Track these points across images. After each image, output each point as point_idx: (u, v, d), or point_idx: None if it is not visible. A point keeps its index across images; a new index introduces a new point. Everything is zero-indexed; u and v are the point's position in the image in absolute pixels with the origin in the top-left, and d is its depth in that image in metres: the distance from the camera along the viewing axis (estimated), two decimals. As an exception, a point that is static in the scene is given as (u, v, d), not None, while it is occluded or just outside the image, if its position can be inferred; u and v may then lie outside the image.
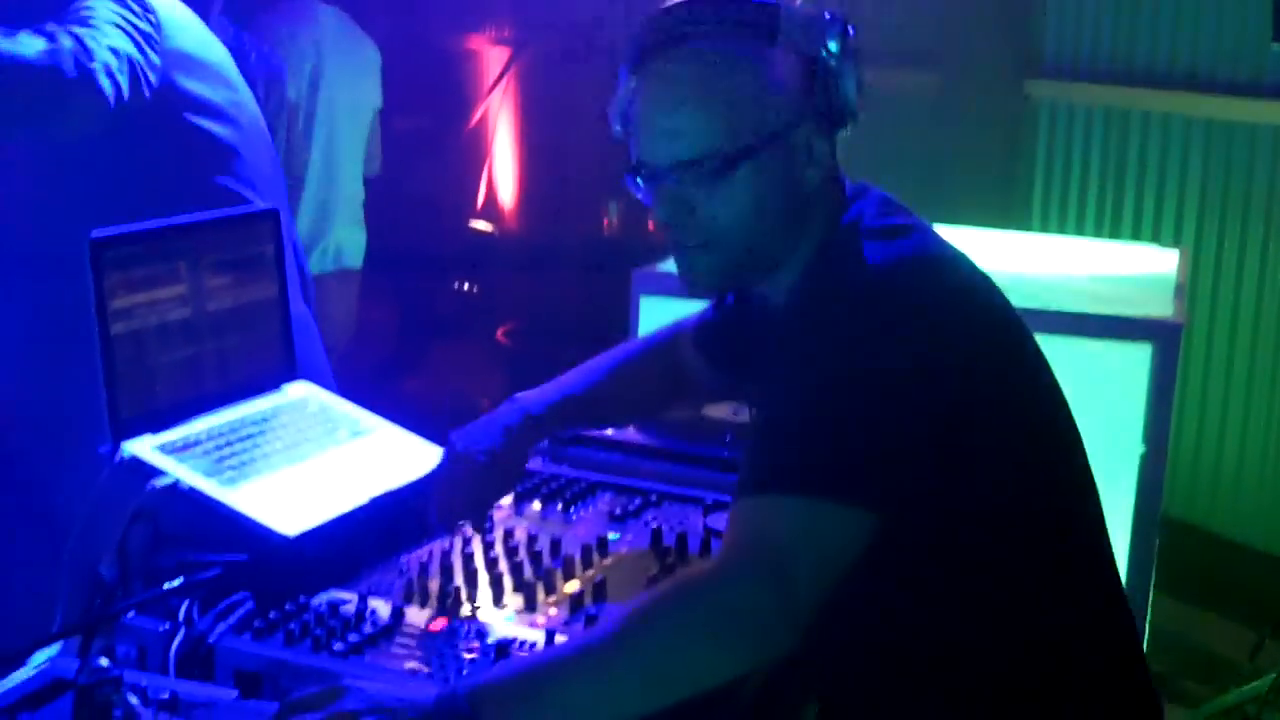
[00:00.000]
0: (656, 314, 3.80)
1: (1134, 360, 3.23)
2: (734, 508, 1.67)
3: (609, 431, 2.63)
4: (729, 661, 1.60)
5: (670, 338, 2.29)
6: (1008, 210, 5.58)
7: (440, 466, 2.10)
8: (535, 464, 2.51)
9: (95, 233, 2.03)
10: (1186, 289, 3.85)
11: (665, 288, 3.83)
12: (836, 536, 1.63)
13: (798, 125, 1.77)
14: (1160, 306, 3.43)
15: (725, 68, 1.75)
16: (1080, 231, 5.54)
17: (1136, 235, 5.36)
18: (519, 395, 2.21)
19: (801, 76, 1.77)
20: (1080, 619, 1.82)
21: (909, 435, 1.67)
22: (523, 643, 1.82)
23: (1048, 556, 1.81)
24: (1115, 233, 5.44)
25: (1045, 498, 1.81)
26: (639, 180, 1.83)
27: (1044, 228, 5.62)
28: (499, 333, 5.87)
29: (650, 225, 6.04)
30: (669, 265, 4.01)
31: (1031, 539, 1.79)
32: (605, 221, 6.09)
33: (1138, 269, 4.06)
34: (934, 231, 1.86)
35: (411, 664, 1.76)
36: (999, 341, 1.81)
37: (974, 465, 1.73)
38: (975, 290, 1.82)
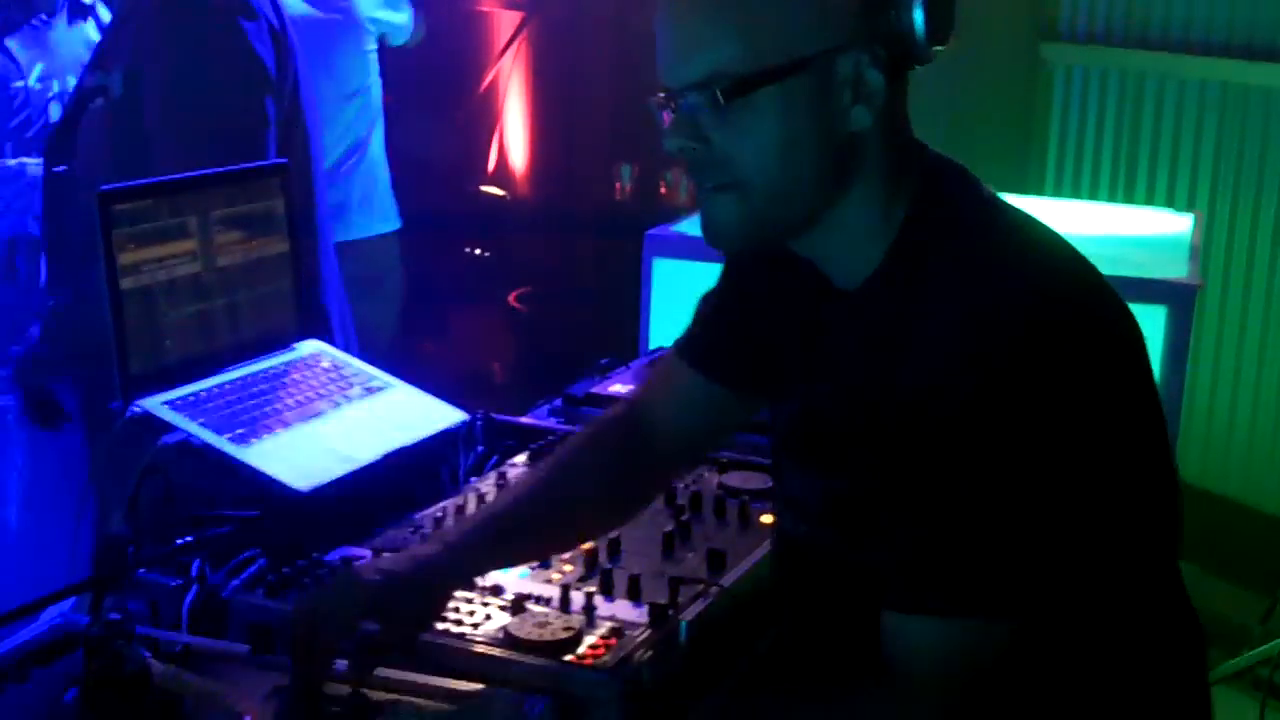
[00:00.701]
0: (669, 277, 3.78)
1: (1148, 323, 3.18)
2: (898, 620, 1.49)
3: (627, 388, 2.62)
4: None
5: (628, 409, 1.90)
6: (1022, 174, 5.55)
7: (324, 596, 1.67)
8: (549, 423, 2.50)
9: (104, 186, 2.02)
10: (1201, 252, 3.83)
11: (678, 251, 3.81)
12: (1004, 649, 1.48)
13: (842, 51, 1.46)
14: (1175, 269, 3.41)
15: None
16: (1095, 195, 5.51)
17: (1151, 199, 5.33)
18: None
19: None
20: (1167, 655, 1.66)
21: (1089, 529, 1.47)
22: (538, 598, 1.81)
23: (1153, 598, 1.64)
24: (1130, 196, 5.41)
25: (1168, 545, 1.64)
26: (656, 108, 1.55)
27: (1059, 191, 5.59)
28: (511, 297, 5.84)
29: (662, 188, 6.02)
30: (682, 228, 4.01)
31: (1147, 586, 1.62)
32: (617, 186, 6.06)
33: (1152, 232, 4.04)
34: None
35: (426, 618, 1.75)
36: (1145, 377, 1.56)
37: (1119, 543, 1.53)
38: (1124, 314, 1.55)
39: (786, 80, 1.46)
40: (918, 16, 1.47)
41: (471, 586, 1.80)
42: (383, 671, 1.64)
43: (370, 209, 4.61)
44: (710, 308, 1.83)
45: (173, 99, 2.61)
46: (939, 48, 1.51)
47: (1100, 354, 1.45)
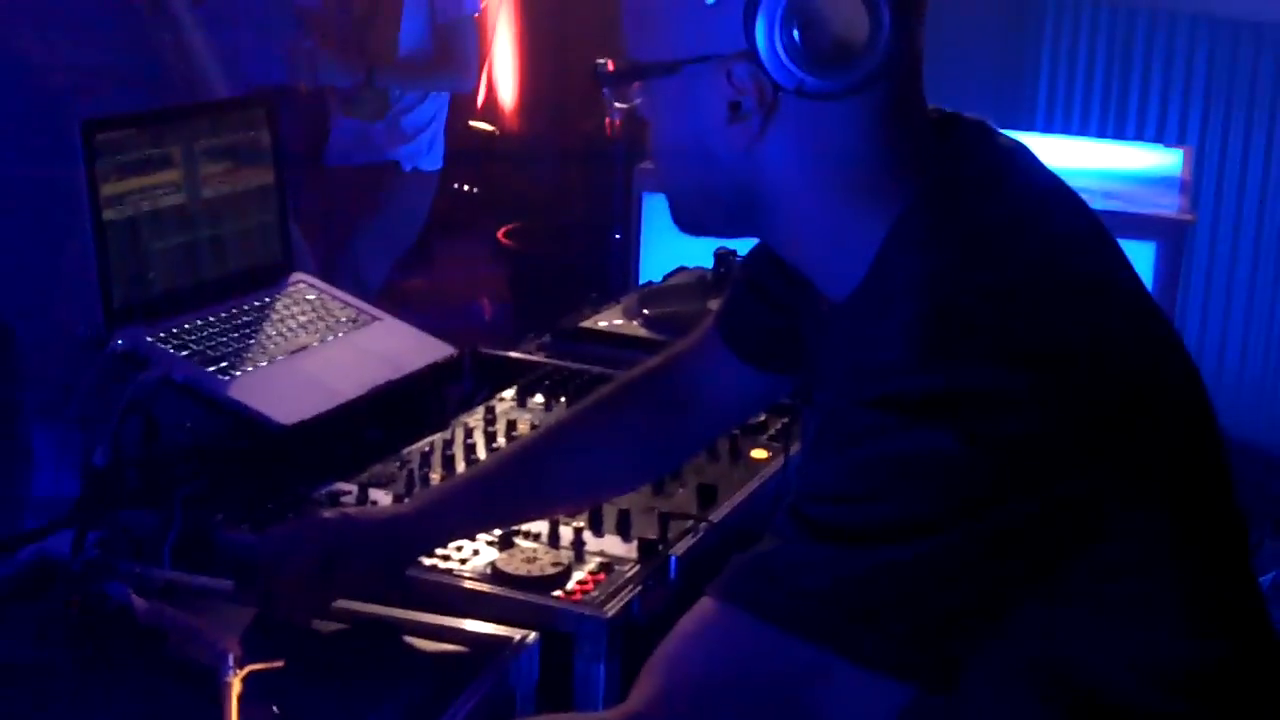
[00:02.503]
0: (660, 211, 3.74)
1: (1138, 258, 3.17)
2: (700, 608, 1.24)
3: (616, 322, 2.61)
4: None
5: (666, 363, 1.79)
6: (1012, 109, 5.52)
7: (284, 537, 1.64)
8: (538, 357, 2.48)
9: (87, 116, 1.99)
10: (1191, 187, 3.81)
11: (667, 184, 3.78)
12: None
13: (711, 61, 1.29)
14: (1165, 205, 3.40)
15: None
16: (1085, 130, 5.48)
17: (1141, 134, 5.30)
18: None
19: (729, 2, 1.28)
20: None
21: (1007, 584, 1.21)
22: (527, 533, 1.80)
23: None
24: (1120, 132, 5.38)
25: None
26: None
27: (1048, 127, 5.55)
28: (500, 233, 5.81)
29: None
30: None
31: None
32: (607, 120, 6.01)
33: (1143, 167, 4.02)
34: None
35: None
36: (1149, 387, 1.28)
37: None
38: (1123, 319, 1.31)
39: (661, 79, 1.33)
40: (769, 37, 1.27)
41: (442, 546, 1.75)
42: (368, 607, 1.63)
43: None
44: (740, 282, 1.71)
45: None
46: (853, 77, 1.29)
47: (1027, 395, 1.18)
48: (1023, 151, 1.40)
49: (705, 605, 1.23)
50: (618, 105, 1.41)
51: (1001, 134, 1.41)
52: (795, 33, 1.26)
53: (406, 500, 1.80)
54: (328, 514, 1.65)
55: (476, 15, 4.58)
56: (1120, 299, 1.32)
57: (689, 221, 1.42)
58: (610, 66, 1.39)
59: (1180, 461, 1.29)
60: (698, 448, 1.95)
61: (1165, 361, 1.32)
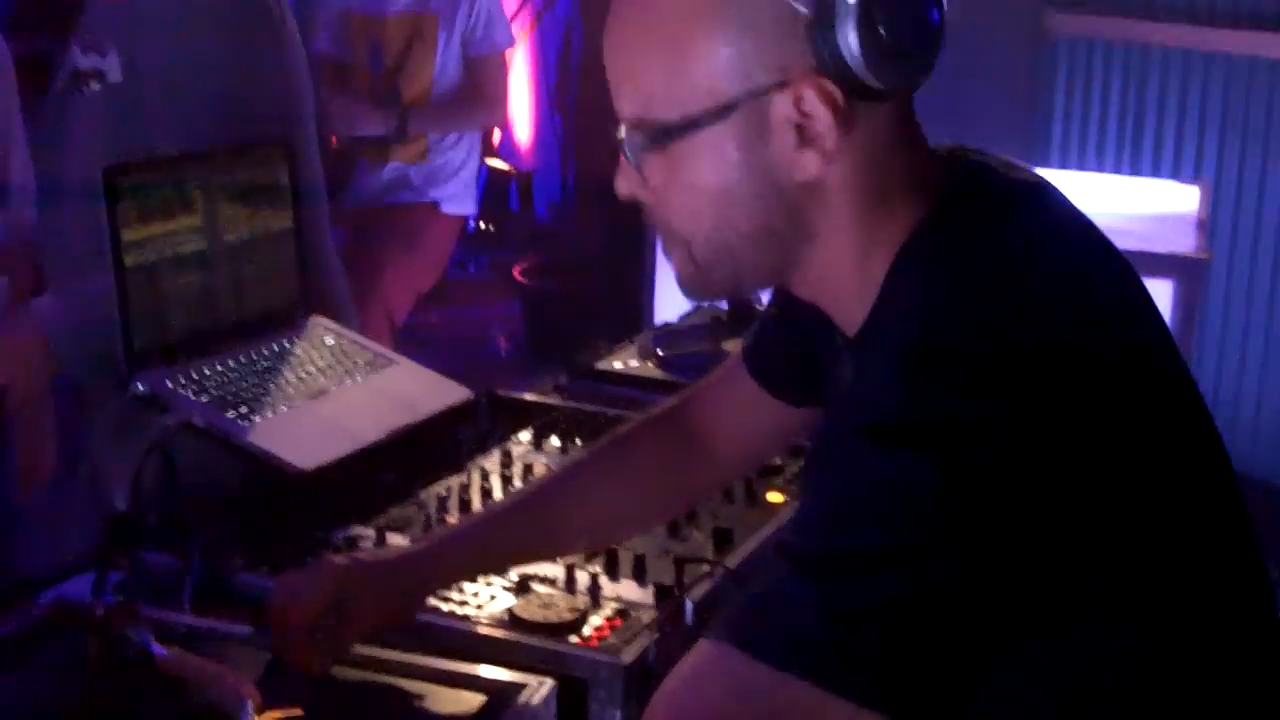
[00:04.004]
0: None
1: (1156, 296, 3.19)
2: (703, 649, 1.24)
3: (632, 363, 2.61)
4: None
5: (686, 401, 1.77)
6: (1027, 145, 5.53)
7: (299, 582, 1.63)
8: (553, 399, 2.49)
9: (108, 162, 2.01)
10: (1207, 225, 3.82)
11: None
12: None
13: (775, 90, 1.25)
14: (1182, 242, 3.40)
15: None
16: (1100, 166, 5.49)
17: (1157, 170, 5.30)
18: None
19: (785, 21, 1.24)
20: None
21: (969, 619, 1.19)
22: (543, 578, 1.81)
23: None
24: (1135, 168, 5.39)
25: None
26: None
27: (1064, 163, 5.56)
28: (516, 271, 5.83)
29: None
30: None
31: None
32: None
33: (1159, 204, 4.02)
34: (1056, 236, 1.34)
35: (430, 599, 1.74)
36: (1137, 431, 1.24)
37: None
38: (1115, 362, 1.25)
39: (712, 126, 1.26)
40: (861, 40, 1.22)
41: (454, 587, 1.76)
42: (385, 653, 1.64)
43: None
44: (769, 316, 1.67)
45: (178, 60, 2.48)
46: (917, 70, 1.28)
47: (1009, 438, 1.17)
48: (1042, 186, 1.38)
49: (702, 647, 1.24)
50: (651, 178, 1.32)
51: (1021, 167, 1.39)
52: (876, 32, 1.22)
53: (417, 542, 1.79)
54: (338, 559, 1.65)
55: (504, 50, 4.62)
56: (1123, 340, 1.28)
57: (724, 281, 1.36)
58: (635, 132, 1.31)
59: (1181, 501, 1.27)
60: (718, 488, 1.95)
61: (1166, 400, 1.29)
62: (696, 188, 1.29)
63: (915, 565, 1.16)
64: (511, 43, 4.68)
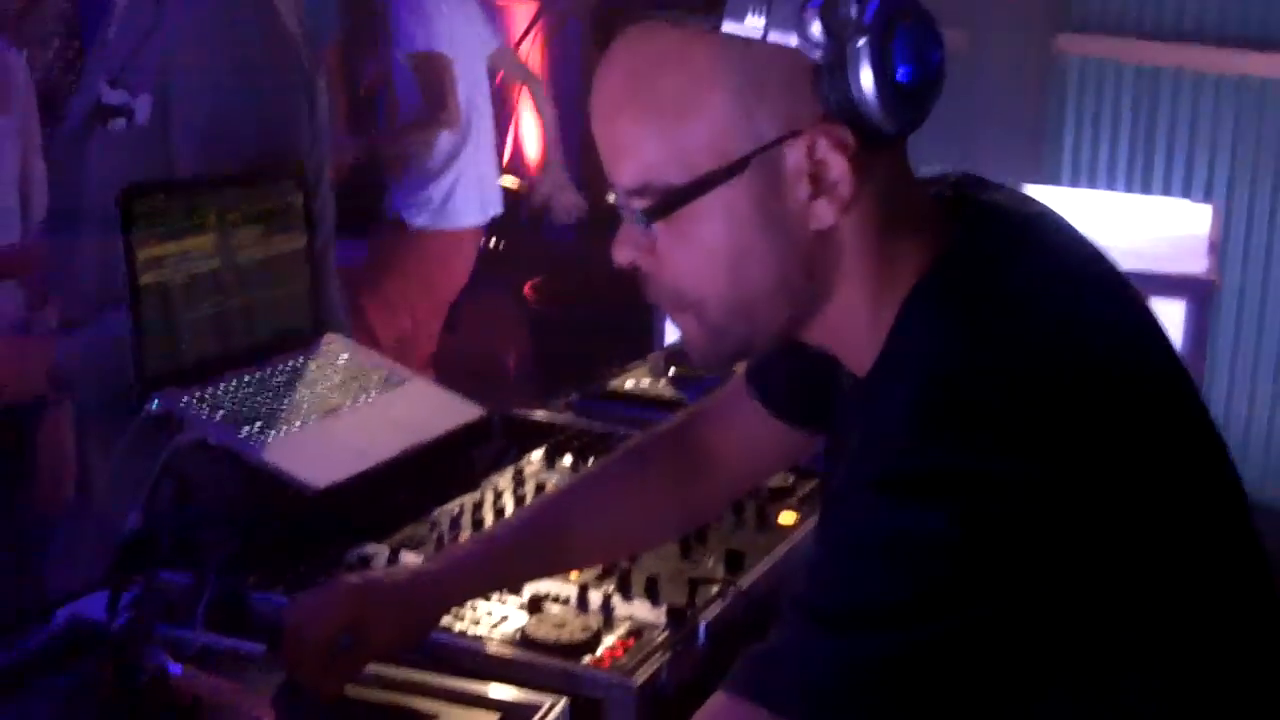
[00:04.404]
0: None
1: (1166, 318, 3.19)
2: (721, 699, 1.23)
3: (643, 383, 2.62)
4: None
5: (690, 420, 1.78)
6: (1038, 166, 5.53)
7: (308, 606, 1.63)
8: (565, 418, 2.49)
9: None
10: (1218, 247, 3.82)
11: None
12: None
13: (785, 142, 1.22)
14: (1193, 263, 3.40)
15: (676, 58, 1.23)
16: (1111, 187, 5.49)
17: (1167, 191, 5.31)
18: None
19: (789, 69, 1.21)
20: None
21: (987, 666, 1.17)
22: (556, 598, 1.81)
23: None
24: (1146, 189, 5.39)
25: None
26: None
27: (1074, 183, 5.56)
28: (525, 289, 5.85)
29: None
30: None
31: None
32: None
33: (1170, 225, 4.03)
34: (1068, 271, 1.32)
35: (443, 619, 1.74)
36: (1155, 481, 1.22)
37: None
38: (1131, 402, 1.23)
39: (723, 185, 1.23)
40: (871, 83, 1.20)
41: (467, 605, 1.77)
42: (398, 671, 1.64)
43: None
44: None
45: (210, 112, 2.40)
46: (923, 111, 1.25)
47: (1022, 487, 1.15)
48: (1048, 218, 1.36)
49: (719, 700, 1.23)
50: (658, 244, 1.29)
51: (1027, 198, 1.38)
52: (884, 74, 1.20)
53: (430, 560, 1.80)
54: (352, 578, 1.65)
55: (442, 52, 4.59)
56: (1136, 379, 1.26)
57: (738, 343, 1.33)
58: (637, 198, 1.26)
59: (1197, 541, 1.25)
60: (721, 506, 1.95)
61: (1181, 439, 1.28)
62: (708, 249, 1.26)
63: (929, 618, 1.15)
64: (435, 46, 4.61)
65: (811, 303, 1.30)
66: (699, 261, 1.27)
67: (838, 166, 1.23)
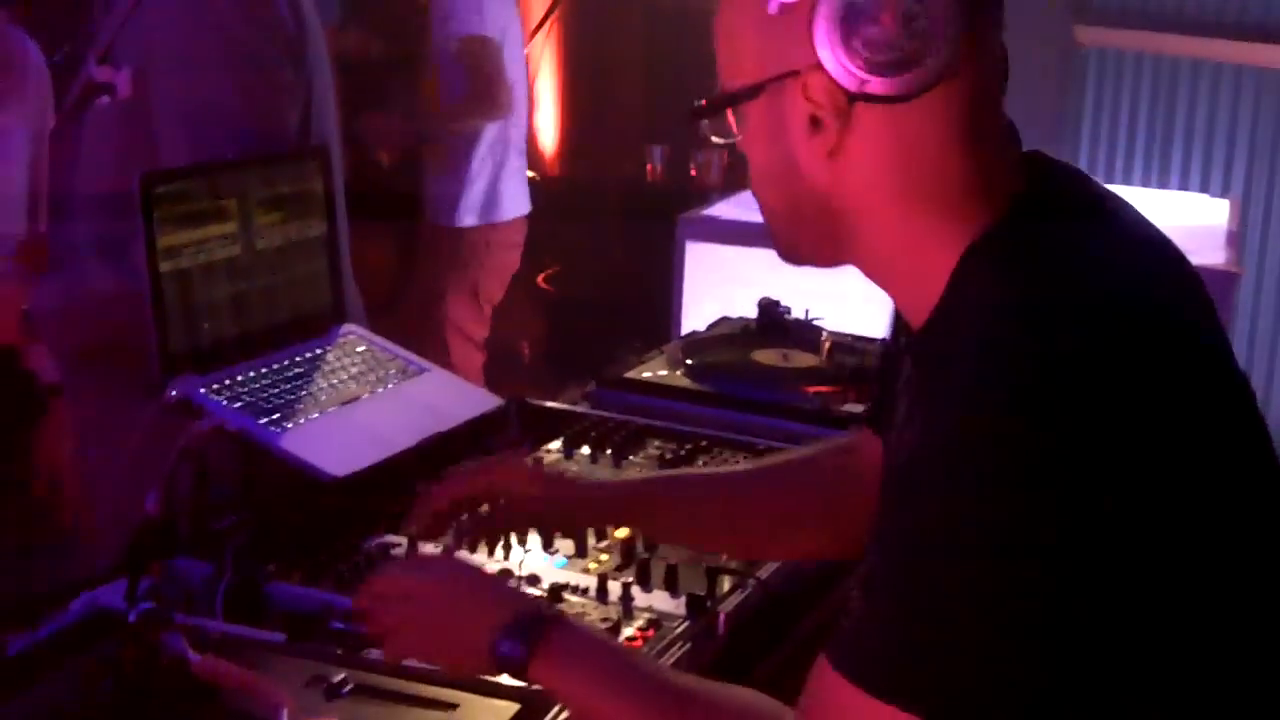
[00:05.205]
0: (702, 259, 3.77)
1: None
2: (821, 668, 1.28)
3: (660, 373, 2.61)
4: None
5: (853, 443, 1.79)
6: (1055, 157, 5.53)
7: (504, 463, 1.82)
8: (582, 408, 2.49)
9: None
10: (1238, 239, 3.81)
11: (711, 234, 3.80)
12: None
13: (789, 78, 1.32)
14: (1212, 256, 3.39)
15: None
16: (1129, 180, 5.48)
17: (1185, 184, 5.30)
18: None
19: (798, 13, 1.31)
20: None
21: (1066, 638, 1.18)
22: (575, 588, 1.81)
23: None
24: (1164, 181, 5.38)
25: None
26: None
27: (1092, 175, 5.57)
28: (539, 278, 5.84)
29: (693, 170, 6.00)
30: (715, 210, 4.00)
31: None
32: (649, 167, 6.05)
33: (1189, 218, 4.01)
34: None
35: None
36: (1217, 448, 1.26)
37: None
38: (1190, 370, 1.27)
39: (749, 103, 1.37)
40: (838, 36, 1.28)
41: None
42: (420, 663, 1.63)
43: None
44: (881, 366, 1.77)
45: (188, 89, 2.43)
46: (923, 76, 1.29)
47: (1093, 445, 1.18)
48: (1120, 199, 1.41)
49: (825, 675, 1.26)
50: (716, 140, 1.45)
51: (1097, 182, 1.42)
52: (856, 37, 1.27)
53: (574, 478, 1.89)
54: (516, 459, 1.85)
55: (492, 37, 4.59)
56: (1190, 372, 1.28)
57: (785, 248, 1.46)
58: (704, 102, 1.43)
59: (1241, 530, 1.26)
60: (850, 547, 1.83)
61: (1233, 420, 1.30)
62: (753, 156, 1.41)
63: (994, 590, 1.17)
64: (485, 29, 4.62)
65: (834, 235, 1.39)
66: (752, 163, 1.42)
67: (825, 113, 1.31)
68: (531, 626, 1.46)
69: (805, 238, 1.42)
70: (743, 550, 1.87)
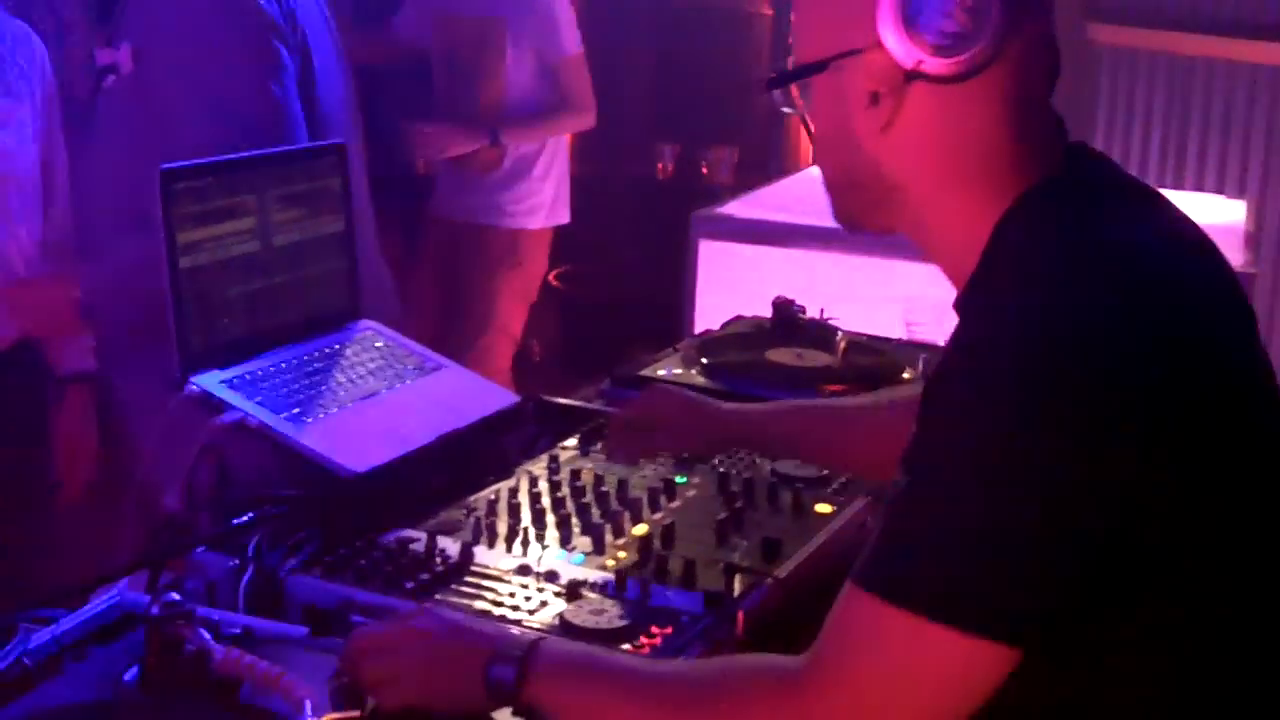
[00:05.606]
0: (716, 259, 3.77)
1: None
2: (847, 590, 1.36)
3: (675, 371, 2.62)
4: None
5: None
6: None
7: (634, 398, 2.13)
8: (597, 404, 2.49)
9: (165, 165, 2.02)
10: (1254, 239, 3.80)
11: (724, 232, 3.80)
12: (960, 670, 1.30)
13: (852, 55, 1.43)
14: (1229, 257, 3.38)
15: None
16: (1143, 180, 5.48)
17: (1200, 185, 5.29)
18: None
19: None
20: None
21: (1080, 551, 1.28)
22: (593, 584, 1.81)
23: None
24: (1179, 182, 5.37)
25: None
26: None
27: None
28: (551, 276, 5.84)
29: (704, 169, 6.00)
30: (728, 209, 4.00)
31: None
32: (659, 165, 6.05)
33: (1205, 219, 4.00)
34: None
35: (481, 604, 1.75)
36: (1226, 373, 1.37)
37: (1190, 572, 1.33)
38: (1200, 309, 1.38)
39: (814, 77, 1.49)
40: (905, 24, 1.39)
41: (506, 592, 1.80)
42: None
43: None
44: None
45: (180, 68, 2.52)
46: (971, 59, 1.39)
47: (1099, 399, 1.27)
48: (1157, 191, 1.52)
49: (852, 596, 1.35)
50: (784, 110, 1.58)
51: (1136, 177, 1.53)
52: (917, 20, 1.38)
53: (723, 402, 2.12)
54: (673, 389, 2.15)
55: (579, 52, 4.65)
56: (1231, 344, 1.40)
57: (840, 212, 1.57)
58: (775, 74, 1.54)
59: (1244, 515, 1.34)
60: None
61: (1260, 397, 1.40)
62: (816, 124, 1.53)
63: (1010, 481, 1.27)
64: (580, 46, 4.72)
65: (886, 203, 1.50)
66: (815, 132, 1.54)
67: (883, 89, 1.42)
68: (518, 649, 1.50)
69: (859, 205, 1.54)
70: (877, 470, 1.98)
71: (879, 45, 1.40)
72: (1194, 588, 1.32)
